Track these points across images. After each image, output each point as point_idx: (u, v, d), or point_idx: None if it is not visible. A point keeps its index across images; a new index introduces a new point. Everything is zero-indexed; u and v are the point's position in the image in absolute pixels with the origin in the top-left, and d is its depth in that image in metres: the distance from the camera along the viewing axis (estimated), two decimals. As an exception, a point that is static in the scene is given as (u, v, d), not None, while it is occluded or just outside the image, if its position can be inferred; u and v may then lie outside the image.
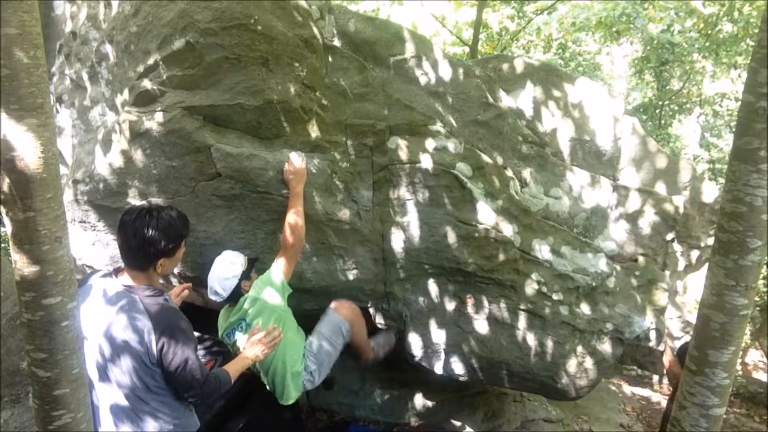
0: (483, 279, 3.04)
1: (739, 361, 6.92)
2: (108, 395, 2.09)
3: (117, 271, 2.17)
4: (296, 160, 2.62)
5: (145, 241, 2.06)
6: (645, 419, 5.60)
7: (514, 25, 8.90)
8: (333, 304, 2.97)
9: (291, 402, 2.85)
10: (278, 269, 2.64)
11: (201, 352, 3.18)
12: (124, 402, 2.09)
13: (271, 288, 2.61)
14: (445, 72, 2.98)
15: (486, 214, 2.93)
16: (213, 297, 2.61)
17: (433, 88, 2.96)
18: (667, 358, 2.85)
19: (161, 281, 2.92)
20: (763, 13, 1.78)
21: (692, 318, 4.94)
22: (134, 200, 2.78)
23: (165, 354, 2.03)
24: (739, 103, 1.95)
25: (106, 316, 2.05)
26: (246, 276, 2.61)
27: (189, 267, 2.92)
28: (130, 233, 2.06)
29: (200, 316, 3.42)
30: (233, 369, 2.34)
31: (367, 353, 3.14)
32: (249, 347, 2.45)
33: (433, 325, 3.17)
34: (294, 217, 2.60)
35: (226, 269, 2.58)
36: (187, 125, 2.55)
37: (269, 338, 2.47)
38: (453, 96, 3.00)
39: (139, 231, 2.05)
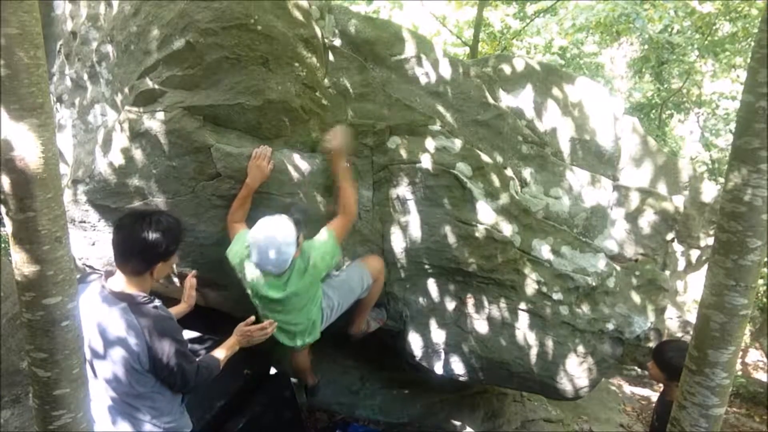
0: (483, 279, 3.04)
1: (739, 361, 6.92)
2: (100, 396, 2.09)
3: (108, 275, 2.16)
4: (339, 132, 2.66)
5: (146, 244, 2.05)
6: (645, 419, 5.60)
7: (517, 23, 8.89)
8: (364, 257, 2.97)
9: (312, 340, 2.81)
10: (333, 236, 2.61)
11: (201, 353, 3.18)
12: (115, 403, 2.09)
13: (327, 262, 2.58)
14: (445, 72, 2.98)
15: (486, 214, 2.93)
16: (264, 270, 2.48)
17: (433, 88, 2.96)
18: (650, 362, 2.88)
19: (161, 281, 2.92)
20: (763, 13, 1.78)
21: (692, 318, 4.94)
22: (134, 200, 2.78)
23: (158, 362, 2.05)
24: (738, 102, 1.95)
25: (97, 320, 2.05)
26: (297, 244, 2.47)
27: (189, 266, 2.91)
28: (129, 237, 2.05)
29: (200, 316, 3.42)
30: (223, 355, 2.34)
31: (360, 324, 3.15)
32: (240, 335, 2.40)
33: (433, 325, 3.17)
34: (352, 189, 2.68)
35: (281, 247, 2.38)
36: (187, 125, 2.55)
37: (262, 332, 2.42)
38: (453, 96, 3.00)
39: (139, 234, 2.04)
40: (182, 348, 2.10)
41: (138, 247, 2.05)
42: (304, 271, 2.53)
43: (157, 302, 2.16)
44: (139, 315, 2.04)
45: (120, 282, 2.11)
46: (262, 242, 2.38)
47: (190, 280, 2.60)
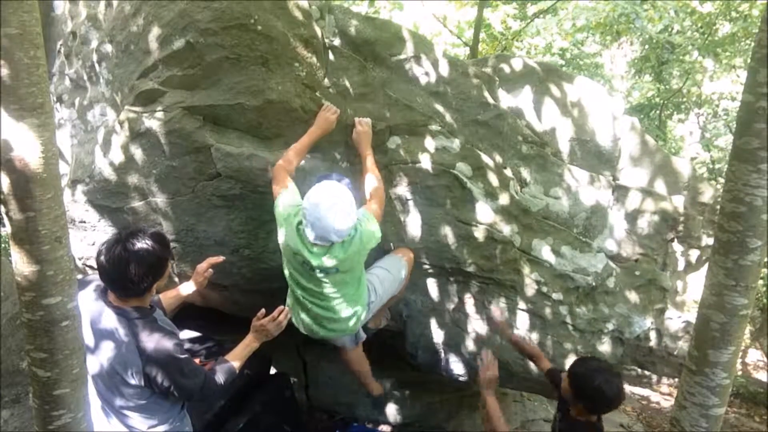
0: (483, 279, 3.04)
1: (739, 361, 6.93)
2: (94, 396, 2.07)
3: (106, 290, 2.09)
4: (363, 122, 2.70)
5: (130, 281, 1.97)
6: (645, 419, 5.60)
7: (517, 24, 8.89)
8: (397, 249, 2.93)
9: (352, 331, 2.72)
10: (374, 217, 2.52)
11: (202, 353, 3.18)
12: (109, 408, 2.07)
13: (372, 241, 2.48)
14: (445, 72, 2.98)
15: (486, 214, 2.93)
16: (317, 242, 2.35)
17: (433, 88, 2.96)
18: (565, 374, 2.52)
19: None
20: (763, 13, 1.78)
21: (692, 318, 4.93)
22: (134, 200, 2.79)
23: (154, 382, 2.01)
24: (738, 102, 1.95)
25: (92, 327, 2.01)
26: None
27: (189, 266, 2.91)
28: (114, 275, 1.96)
29: (200, 316, 3.43)
30: (239, 356, 2.22)
31: (380, 317, 3.11)
32: (255, 331, 2.28)
33: (433, 325, 3.17)
34: (377, 176, 2.65)
35: (344, 220, 2.29)
36: (187, 125, 2.56)
37: (275, 323, 2.26)
38: (453, 96, 3.00)
39: (121, 273, 1.95)
40: (181, 364, 2.01)
41: (123, 284, 1.98)
42: (350, 243, 2.41)
43: (157, 314, 2.10)
44: (136, 333, 1.98)
45: (116, 297, 2.05)
46: (324, 210, 2.26)
47: (205, 272, 2.50)
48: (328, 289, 2.51)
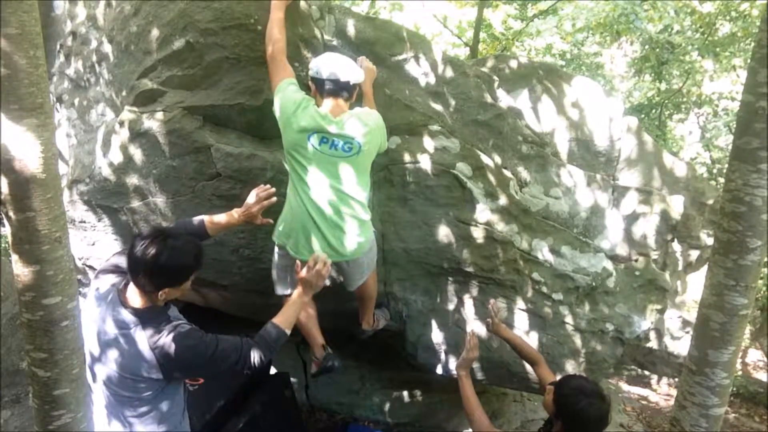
0: (483, 279, 3.04)
1: (739, 361, 6.93)
2: (98, 400, 2.06)
3: (124, 288, 2.06)
4: (365, 59, 2.69)
5: (153, 271, 1.93)
6: (645, 419, 5.61)
7: (518, 24, 8.89)
8: None
9: (348, 252, 2.51)
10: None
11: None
12: (112, 408, 2.06)
13: (382, 131, 2.53)
14: (445, 72, 2.97)
15: (486, 214, 2.93)
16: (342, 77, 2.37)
17: (433, 88, 2.96)
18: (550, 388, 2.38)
19: None
20: (763, 13, 1.78)
21: (692, 318, 4.93)
22: (134, 200, 2.79)
23: (179, 377, 2.01)
24: (738, 102, 1.95)
25: (102, 326, 1.99)
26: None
27: (189, 267, 2.91)
28: (140, 258, 1.92)
29: (200, 316, 3.42)
30: (287, 317, 2.12)
31: (369, 318, 3.03)
32: (302, 284, 2.19)
33: (433, 325, 3.17)
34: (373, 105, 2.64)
35: (353, 64, 2.44)
36: (187, 125, 2.56)
37: (315, 273, 2.17)
38: (453, 96, 3.00)
39: (148, 259, 1.91)
40: (199, 357, 1.98)
41: (145, 270, 1.93)
42: (364, 123, 2.39)
43: (171, 311, 2.08)
44: (148, 334, 1.95)
45: (134, 294, 2.01)
46: (338, 59, 2.40)
47: (259, 200, 2.30)
48: (340, 174, 2.39)
